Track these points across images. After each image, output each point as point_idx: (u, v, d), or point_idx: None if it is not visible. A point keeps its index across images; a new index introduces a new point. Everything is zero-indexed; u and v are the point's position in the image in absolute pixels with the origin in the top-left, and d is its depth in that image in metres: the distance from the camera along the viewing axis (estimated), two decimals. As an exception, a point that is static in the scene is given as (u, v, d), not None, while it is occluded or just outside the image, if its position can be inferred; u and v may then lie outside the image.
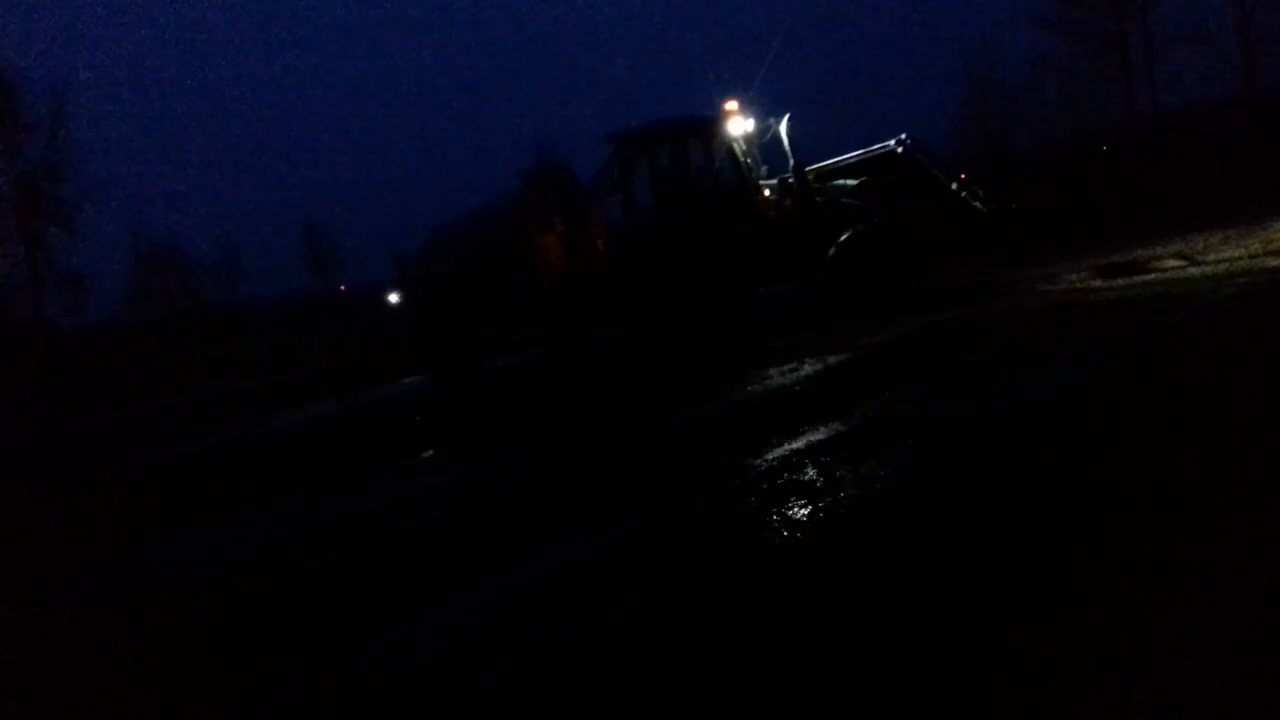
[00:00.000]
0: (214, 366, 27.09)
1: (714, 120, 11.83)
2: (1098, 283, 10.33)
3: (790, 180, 11.78)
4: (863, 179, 11.65)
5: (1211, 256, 10.48)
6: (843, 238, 11.19)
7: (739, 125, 11.77)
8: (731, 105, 11.76)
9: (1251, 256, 9.94)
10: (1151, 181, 18.58)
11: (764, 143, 12.09)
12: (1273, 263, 9.34)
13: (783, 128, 11.63)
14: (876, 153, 11.74)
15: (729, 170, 11.89)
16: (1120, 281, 10.10)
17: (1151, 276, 10.05)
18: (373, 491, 7.64)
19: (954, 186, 11.38)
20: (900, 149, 11.57)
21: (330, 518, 7.04)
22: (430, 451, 9.02)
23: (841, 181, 11.76)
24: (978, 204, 11.31)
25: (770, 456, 5.84)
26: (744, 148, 11.83)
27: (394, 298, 31.09)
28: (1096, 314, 8.74)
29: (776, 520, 4.67)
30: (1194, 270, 9.87)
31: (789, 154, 11.68)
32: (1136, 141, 30.00)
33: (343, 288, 52.22)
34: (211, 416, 17.67)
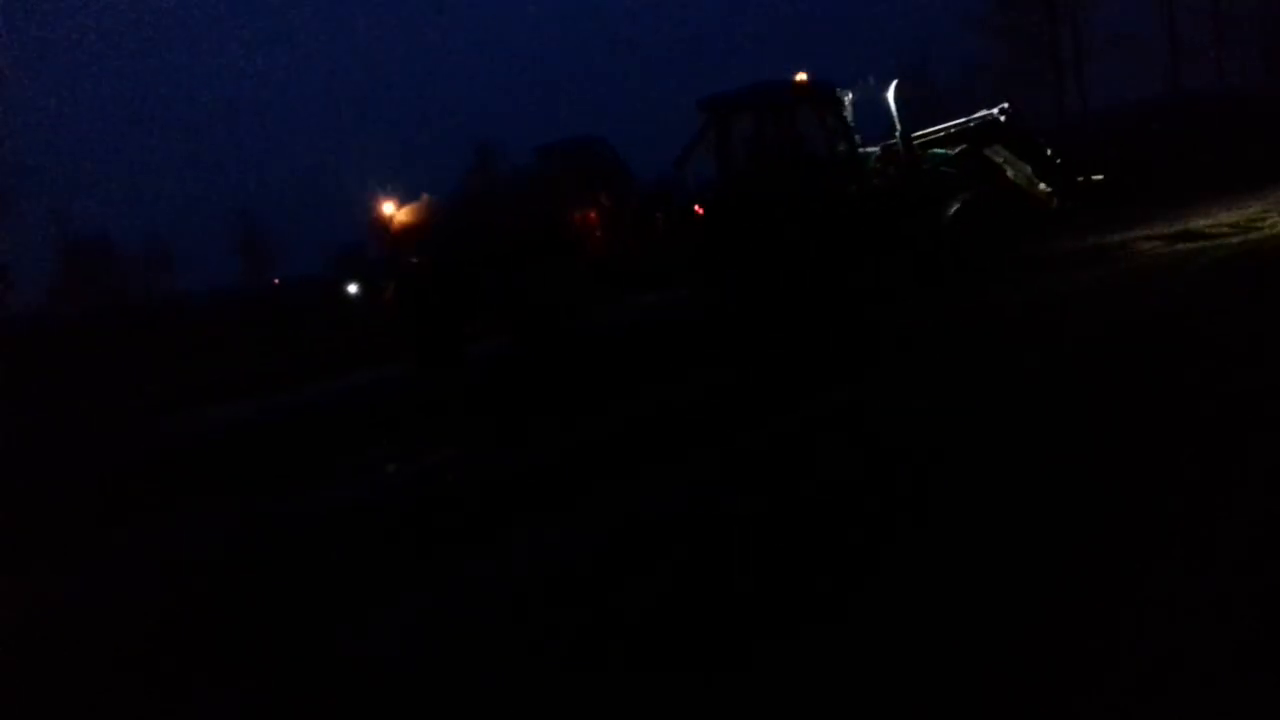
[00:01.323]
0: (169, 360, 26.33)
1: (818, 84, 11.86)
2: (1184, 245, 10.98)
3: (896, 147, 11.85)
4: (962, 148, 11.94)
5: (1258, 222, 11.34)
6: (954, 207, 11.46)
7: (842, 90, 11.86)
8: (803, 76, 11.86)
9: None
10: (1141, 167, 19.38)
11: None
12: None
13: (889, 94, 11.73)
14: (979, 121, 12.08)
15: (839, 135, 11.90)
16: (1202, 243, 10.77)
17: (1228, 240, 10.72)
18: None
19: (1048, 152, 11.83)
20: (1003, 117, 11.92)
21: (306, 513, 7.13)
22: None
23: (940, 150, 12.01)
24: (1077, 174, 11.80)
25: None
26: (847, 113, 11.92)
27: (353, 288, 30.46)
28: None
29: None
30: (1254, 234, 10.68)
31: (896, 121, 11.75)
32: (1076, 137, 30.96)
33: (276, 281, 51.48)
34: (174, 408, 17.40)
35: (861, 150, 11.97)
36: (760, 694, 3.06)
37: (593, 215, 13.78)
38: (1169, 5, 39.82)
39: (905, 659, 3.09)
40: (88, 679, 4.48)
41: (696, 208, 12.13)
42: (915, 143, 11.87)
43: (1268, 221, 11.19)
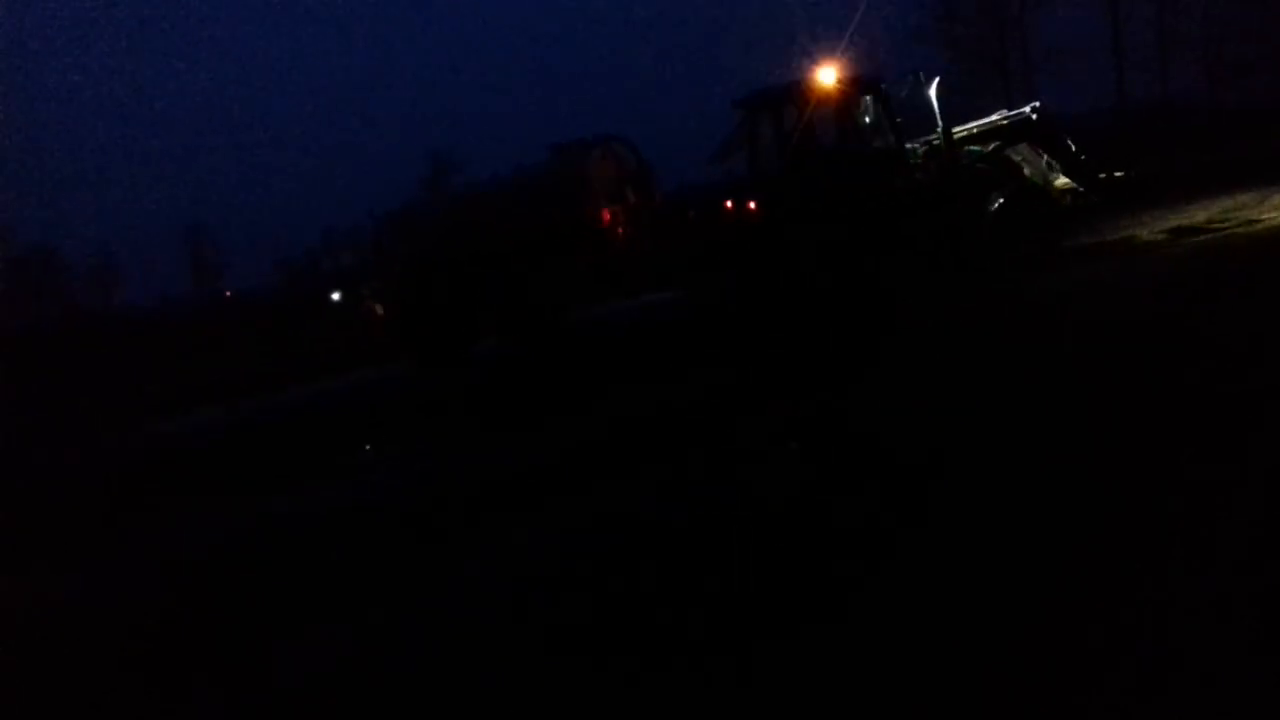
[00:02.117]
0: (168, 362, 26.24)
1: (862, 79, 11.85)
2: (1183, 239, 11.05)
3: (937, 142, 11.87)
4: (995, 144, 11.98)
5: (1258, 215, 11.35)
6: (998, 202, 11.51)
7: (883, 85, 11.84)
8: (827, 70, 11.74)
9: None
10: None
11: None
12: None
13: (932, 90, 11.69)
14: (1012, 119, 12.14)
15: (884, 130, 11.87)
16: (1204, 237, 10.84)
17: (1221, 233, 10.81)
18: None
19: (1074, 149, 11.85)
20: (1035, 116, 11.97)
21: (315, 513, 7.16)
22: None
23: (976, 147, 12.05)
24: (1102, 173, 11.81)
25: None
26: (893, 108, 11.90)
27: (335, 295, 30.35)
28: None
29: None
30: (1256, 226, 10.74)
31: (937, 116, 11.74)
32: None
33: (228, 293, 51.34)
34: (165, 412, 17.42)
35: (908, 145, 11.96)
36: (761, 694, 3.06)
37: (619, 212, 13.77)
38: (1114, 18, 39.86)
39: (906, 658, 3.08)
40: (88, 678, 4.48)
41: (728, 204, 12.05)
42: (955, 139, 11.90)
43: (1256, 213, 11.36)
